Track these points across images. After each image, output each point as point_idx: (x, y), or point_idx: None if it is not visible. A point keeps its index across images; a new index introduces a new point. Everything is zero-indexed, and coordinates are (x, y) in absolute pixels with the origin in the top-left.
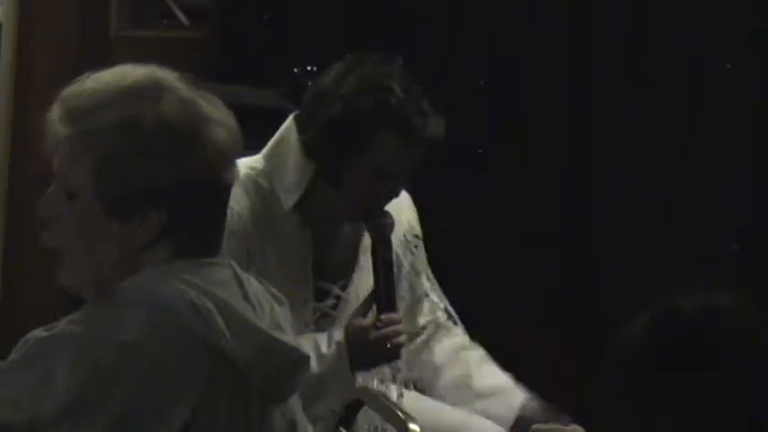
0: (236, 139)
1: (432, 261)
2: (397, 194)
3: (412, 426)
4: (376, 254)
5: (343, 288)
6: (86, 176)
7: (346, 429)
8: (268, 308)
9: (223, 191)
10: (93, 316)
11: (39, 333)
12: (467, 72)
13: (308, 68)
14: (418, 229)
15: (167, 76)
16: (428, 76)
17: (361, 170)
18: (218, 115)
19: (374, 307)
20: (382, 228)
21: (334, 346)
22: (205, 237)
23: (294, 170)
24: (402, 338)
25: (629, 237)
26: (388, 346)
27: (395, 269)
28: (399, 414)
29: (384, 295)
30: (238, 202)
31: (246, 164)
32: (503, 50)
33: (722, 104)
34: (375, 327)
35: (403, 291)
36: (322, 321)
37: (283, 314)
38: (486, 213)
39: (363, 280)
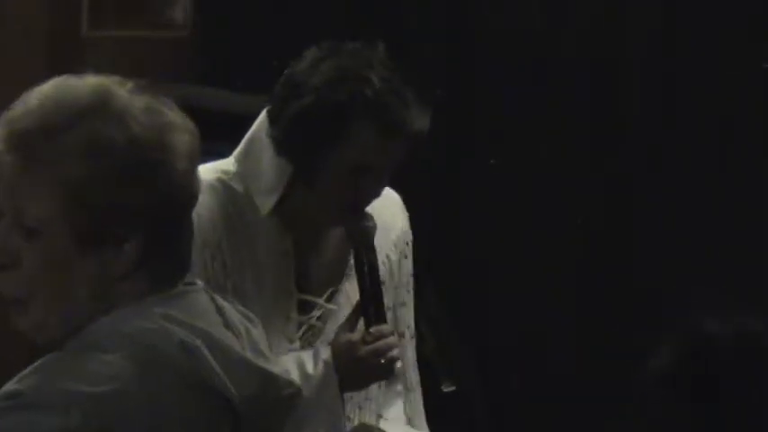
0: (198, 146)
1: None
2: (378, 194)
3: None
4: (360, 261)
5: (329, 299)
6: (53, 208)
7: None
8: (245, 332)
9: (192, 203)
10: (73, 363)
11: (10, 386)
12: (467, 72)
13: None
14: (410, 236)
15: (118, 85)
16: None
17: (336, 167)
18: (181, 122)
19: (362, 320)
20: (365, 231)
21: (321, 365)
22: (179, 258)
23: (270, 170)
24: (395, 353)
25: (663, 245)
26: (382, 361)
27: (383, 277)
28: None
29: (372, 306)
30: (210, 209)
31: (218, 167)
32: (506, 52)
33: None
34: (364, 341)
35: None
36: (308, 336)
37: (259, 336)
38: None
39: (352, 289)
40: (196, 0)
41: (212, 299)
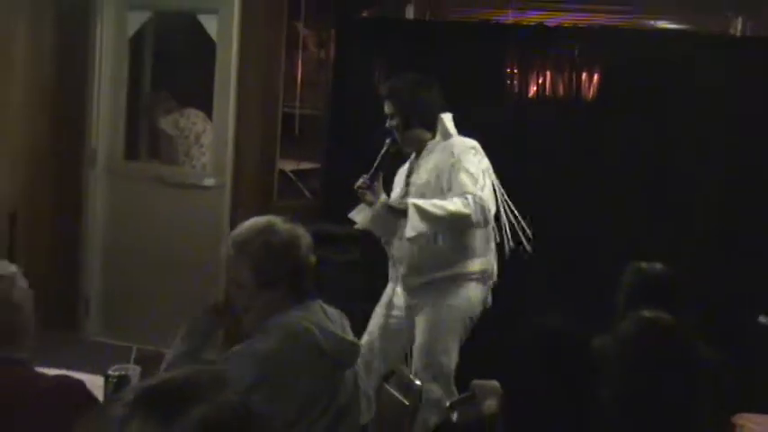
0: (311, 245)
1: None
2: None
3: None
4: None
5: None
6: (246, 272)
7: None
8: (339, 321)
9: (309, 269)
10: (257, 339)
11: (234, 348)
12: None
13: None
14: (458, 156)
15: (277, 220)
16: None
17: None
18: (300, 232)
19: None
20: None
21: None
22: (306, 290)
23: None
24: (366, 197)
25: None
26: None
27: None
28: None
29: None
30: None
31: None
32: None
33: None
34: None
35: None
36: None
37: (345, 323)
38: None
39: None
40: (326, 183)
41: (322, 306)
